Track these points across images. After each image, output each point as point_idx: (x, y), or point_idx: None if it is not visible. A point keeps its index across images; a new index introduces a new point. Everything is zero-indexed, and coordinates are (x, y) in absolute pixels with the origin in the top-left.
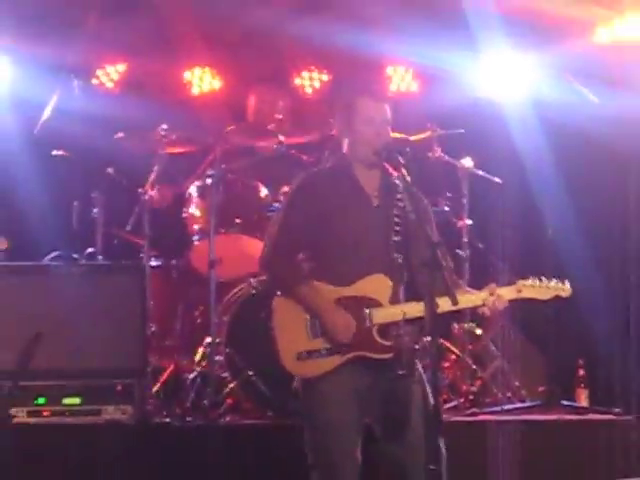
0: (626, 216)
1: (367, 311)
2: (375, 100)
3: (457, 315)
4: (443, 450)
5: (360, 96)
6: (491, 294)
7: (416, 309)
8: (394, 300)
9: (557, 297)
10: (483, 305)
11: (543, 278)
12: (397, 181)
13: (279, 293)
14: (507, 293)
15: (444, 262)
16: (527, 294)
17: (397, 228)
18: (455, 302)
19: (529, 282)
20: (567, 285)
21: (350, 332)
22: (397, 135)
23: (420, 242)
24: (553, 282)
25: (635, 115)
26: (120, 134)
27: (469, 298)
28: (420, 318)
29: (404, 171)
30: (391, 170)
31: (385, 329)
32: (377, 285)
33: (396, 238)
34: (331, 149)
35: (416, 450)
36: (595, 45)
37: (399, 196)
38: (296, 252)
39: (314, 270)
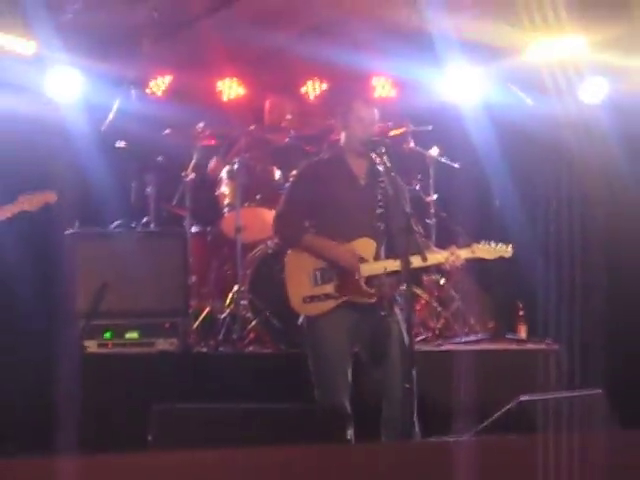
0: (554, 190)
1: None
2: (366, 104)
3: (426, 269)
4: (414, 373)
5: (355, 100)
6: (451, 254)
7: (394, 264)
8: (377, 258)
9: (501, 257)
10: (445, 262)
11: (492, 242)
12: (380, 167)
13: (289, 251)
14: (464, 253)
15: (416, 228)
16: (479, 254)
17: (380, 203)
18: (424, 259)
19: (481, 245)
20: (509, 248)
21: (350, 259)
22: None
23: (397, 213)
24: (499, 245)
25: (559, 113)
26: (167, 131)
27: (435, 257)
28: (397, 272)
29: (385, 158)
30: (376, 159)
31: (370, 280)
32: (364, 246)
33: (379, 211)
34: (329, 142)
35: (394, 372)
36: (529, 60)
37: (381, 179)
38: (300, 218)
39: (316, 233)
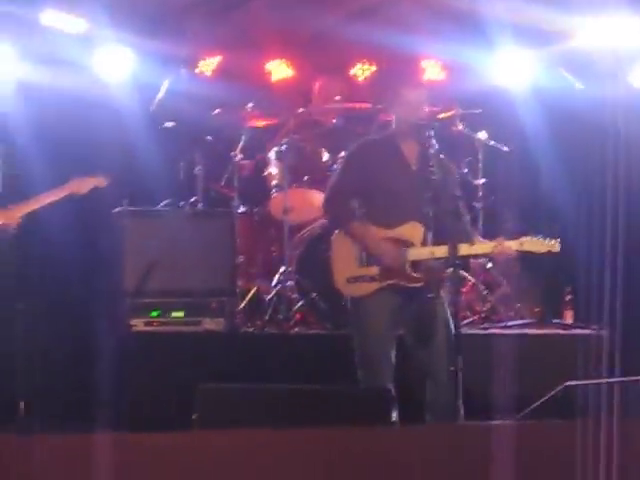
0: (603, 175)
1: (403, 249)
2: (414, 88)
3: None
4: (460, 357)
5: (403, 84)
6: (499, 244)
7: (442, 250)
8: (425, 243)
9: (549, 252)
10: (492, 253)
11: (540, 236)
12: (431, 151)
13: (337, 231)
14: (512, 245)
15: (464, 214)
16: (527, 248)
17: (430, 189)
18: (472, 246)
19: (529, 238)
20: (557, 243)
21: (394, 258)
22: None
23: (446, 197)
24: (547, 240)
25: (609, 97)
26: (217, 111)
27: (482, 246)
28: (445, 257)
29: (433, 141)
30: (426, 143)
31: (416, 264)
32: (412, 230)
33: (428, 195)
34: (378, 123)
35: (439, 355)
36: (580, 44)
37: (432, 163)
38: (349, 199)
39: (364, 215)
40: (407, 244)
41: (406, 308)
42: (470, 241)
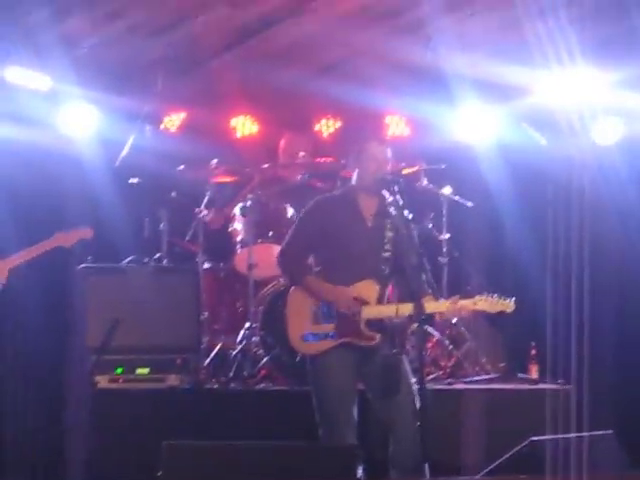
0: (567, 231)
1: (358, 307)
2: (380, 143)
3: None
4: (425, 411)
5: (368, 140)
6: (453, 303)
7: (393, 309)
8: (380, 301)
9: (502, 312)
10: (446, 312)
11: (495, 295)
12: (391, 208)
13: (292, 288)
14: (466, 304)
15: (424, 270)
16: (480, 307)
17: (386, 247)
18: (422, 308)
19: (484, 297)
20: (512, 302)
21: (349, 305)
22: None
23: (410, 252)
24: (502, 299)
25: (573, 154)
26: (181, 167)
27: (435, 305)
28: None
29: (398, 196)
30: (389, 198)
31: (371, 322)
32: (367, 288)
33: (385, 254)
34: (341, 179)
35: (402, 410)
36: (543, 101)
37: (390, 221)
38: (305, 255)
39: (319, 272)
40: (362, 302)
41: (364, 364)
42: (427, 296)
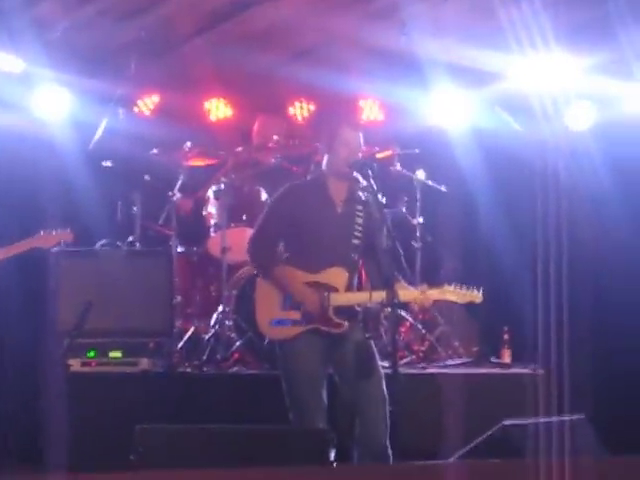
0: (542, 215)
1: (326, 294)
2: (352, 129)
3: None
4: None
5: (341, 124)
6: (422, 293)
7: (364, 297)
8: (348, 288)
9: (471, 302)
10: (414, 301)
11: (463, 286)
12: (361, 193)
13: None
14: (434, 294)
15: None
16: (448, 297)
17: (356, 233)
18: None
19: (452, 288)
20: (480, 293)
21: (315, 304)
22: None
23: (382, 236)
24: (470, 291)
25: (546, 138)
26: (155, 150)
27: (405, 293)
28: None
29: (372, 181)
30: (361, 183)
31: (338, 309)
32: (336, 275)
33: (355, 241)
34: (315, 163)
35: (369, 393)
36: (517, 86)
37: (360, 207)
38: (274, 243)
39: (289, 258)
40: (330, 289)
41: (334, 349)
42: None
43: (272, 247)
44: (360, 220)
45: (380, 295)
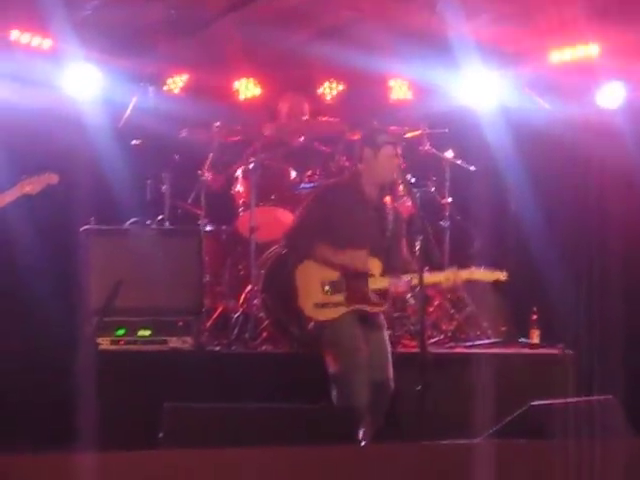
0: (571, 194)
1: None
2: (398, 144)
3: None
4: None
5: (389, 141)
6: (452, 273)
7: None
8: (383, 274)
9: (497, 280)
10: (446, 282)
11: (486, 268)
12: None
13: (298, 266)
14: (463, 275)
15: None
16: (476, 277)
17: (388, 227)
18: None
19: (479, 269)
20: (504, 273)
21: (361, 263)
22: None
23: (399, 235)
24: (495, 272)
25: (577, 118)
26: (184, 131)
27: (436, 276)
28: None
29: (401, 159)
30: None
31: (376, 292)
32: (372, 264)
33: (388, 234)
34: (345, 142)
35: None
36: (546, 65)
37: (389, 208)
38: (312, 238)
39: None
40: (369, 275)
41: (367, 334)
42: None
43: (311, 240)
44: (391, 216)
45: (409, 276)
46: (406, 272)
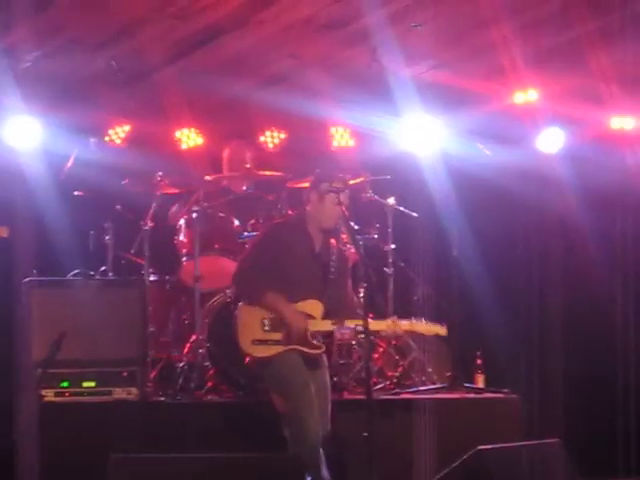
0: (511, 235)
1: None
2: (347, 192)
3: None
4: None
5: (341, 188)
6: (392, 322)
7: (352, 323)
8: (324, 317)
9: (437, 334)
10: (386, 330)
11: (427, 322)
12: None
13: (240, 304)
14: (403, 325)
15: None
16: (416, 329)
17: (332, 269)
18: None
19: (419, 322)
20: (444, 328)
21: (301, 326)
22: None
23: (343, 279)
24: (435, 326)
25: (516, 164)
26: (126, 181)
27: (378, 323)
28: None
29: (344, 208)
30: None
31: (314, 335)
32: (312, 306)
33: (331, 276)
34: (287, 191)
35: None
36: (487, 111)
37: (333, 250)
38: (261, 275)
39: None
40: (308, 317)
41: (309, 370)
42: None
43: (260, 278)
44: (334, 257)
45: (354, 323)
46: (350, 317)
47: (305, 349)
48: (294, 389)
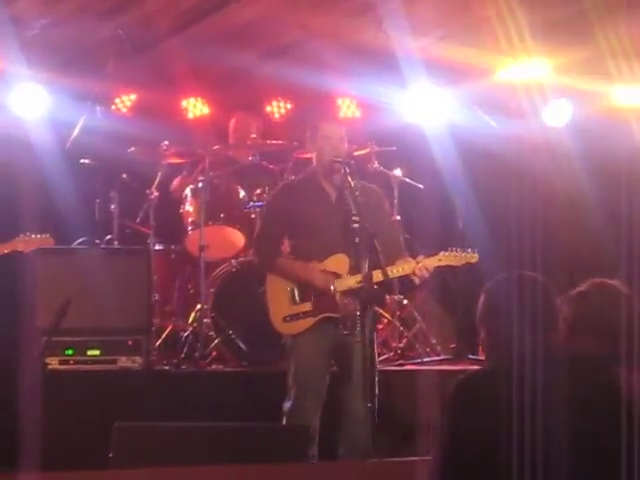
0: (518, 211)
1: (332, 280)
2: (332, 123)
3: (389, 288)
4: (376, 392)
5: (321, 120)
6: (418, 262)
7: (377, 275)
8: (352, 272)
9: (468, 263)
10: (413, 272)
11: (458, 249)
12: (352, 181)
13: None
14: (431, 262)
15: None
16: (446, 262)
17: (354, 217)
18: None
19: (447, 253)
20: (475, 254)
21: (324, 281)
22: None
23: (372, 222)
24: (465, 252)
25: (524, 136)
26: (132, 148)
27: (403, 267)
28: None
29: (349, 178)
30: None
31: (345, 294)
32: (338, 262)
33: (355, 225)
34: (293, 160)
35: (357, 390)
36: (494, 83)
37: (354, 193)
38: (277, 241)
39: (293, 252)
40: (335, 275)
41: (334, 344)
42: (392, 263)
43: (275, 245)
44: (358, 202)
45: (377, 274)
46: (394, 261)
47: (336, 313)
48: (301, 371)
